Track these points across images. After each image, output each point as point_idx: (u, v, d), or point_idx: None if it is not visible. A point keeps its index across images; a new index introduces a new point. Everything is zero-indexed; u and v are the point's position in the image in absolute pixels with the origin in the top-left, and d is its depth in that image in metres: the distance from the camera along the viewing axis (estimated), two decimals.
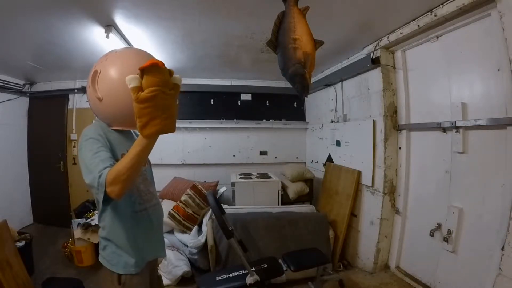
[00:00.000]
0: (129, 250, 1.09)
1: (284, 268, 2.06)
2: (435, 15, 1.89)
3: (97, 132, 1.05)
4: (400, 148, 2.51)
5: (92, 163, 0.91)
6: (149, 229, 1.16)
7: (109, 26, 2.09)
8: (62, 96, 3.91)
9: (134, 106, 0.79)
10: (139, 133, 0.82)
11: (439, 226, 2.07)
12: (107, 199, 0.87)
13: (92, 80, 1.07)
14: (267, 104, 4.30)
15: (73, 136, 3.88)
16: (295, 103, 4.41)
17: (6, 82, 3.48)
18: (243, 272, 1.97)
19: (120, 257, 1.09)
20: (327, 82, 3.47)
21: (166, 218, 2.71)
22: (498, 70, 1.65)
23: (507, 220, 1.51)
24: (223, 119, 4.12)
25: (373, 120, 2.62)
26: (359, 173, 2.78)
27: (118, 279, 1.09)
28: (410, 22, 2.12)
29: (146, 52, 1.16)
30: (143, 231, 1.13)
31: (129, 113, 1.08)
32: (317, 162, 3.93)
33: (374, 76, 2.61)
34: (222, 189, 3.46)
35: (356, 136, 2.89)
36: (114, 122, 1.13)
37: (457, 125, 1.90)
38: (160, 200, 1.65)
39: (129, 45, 2.45)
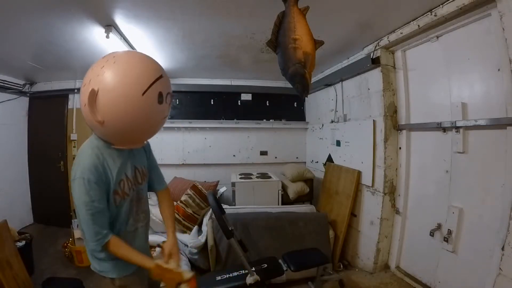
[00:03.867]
0: (117, 259, 1.07)
1: (284, 268, 2.06)
2: (435, 15, 1.89)
3: (94, 164, 0.99)
4: (400, 148, 2.51)
5: (91, 229, 1.00)
6: (136, 244, 1.14)
7: (109, 26, 2.09)
8: (62, 96, 3.90)
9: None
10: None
11: (439, 226, 2.07)
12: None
13: (90, 101, 0.90)
14: (267, 104, 4.30)
15: (73, 136, 3.87)
16: (295, 103, 4.41)
17: (6, 82, 3.47)
18: (243, 272, 1.97)
19: (109, 264, 1.09)
20: (327, 82, 3.47)
21: None
22: (498, 70, 1.65)
23: (507, 220, 1.51)
24: (223, 119, 4.12)
25: (373, 120, 2.62)
26: (359, 173, 2.78)
27: (112, 282, 1.10)
28: (410, 22, 2.12)
29: (146, 56, 1.03)
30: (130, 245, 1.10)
31: (134, 133, 1.03)
32: (317, 162, 3.93)
33: (374, 76, 2.61)
34: (222, 189, 3.46)
35: (356, 136, 2.89)
36: (116, 142, 1.05)
37: (457, 125, 1.90)
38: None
39: (129, 45, 2.45)
